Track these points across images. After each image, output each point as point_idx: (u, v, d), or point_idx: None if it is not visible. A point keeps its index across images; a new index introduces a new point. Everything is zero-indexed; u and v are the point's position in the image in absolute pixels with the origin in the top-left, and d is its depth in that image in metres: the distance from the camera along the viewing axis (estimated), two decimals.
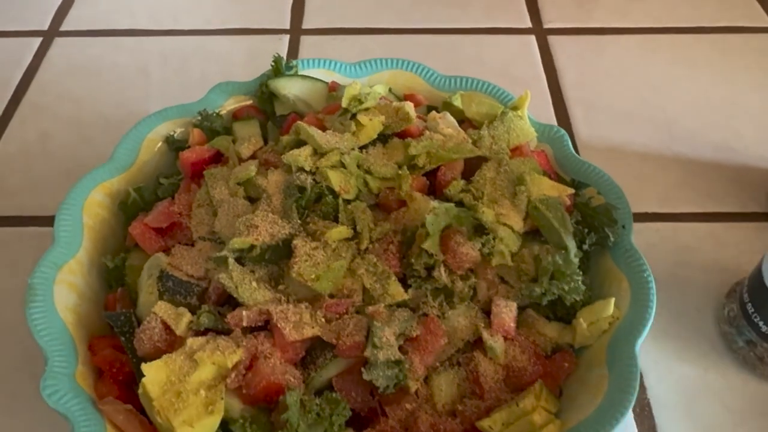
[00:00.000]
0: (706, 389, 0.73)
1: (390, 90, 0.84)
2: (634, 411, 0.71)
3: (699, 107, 1.03)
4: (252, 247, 0.64)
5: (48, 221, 0.84)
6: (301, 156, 0.69)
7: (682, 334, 0.77)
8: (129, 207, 0.74)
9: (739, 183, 0.92)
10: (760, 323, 0.70)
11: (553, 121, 1.00)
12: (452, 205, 0.65)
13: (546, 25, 1.17)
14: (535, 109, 0.82)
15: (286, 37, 1.14)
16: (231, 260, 0.63)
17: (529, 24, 1.17)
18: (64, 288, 0.66)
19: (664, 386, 0.73)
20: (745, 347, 0.73)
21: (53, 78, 1.07)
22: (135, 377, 0.62)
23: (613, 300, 0.65)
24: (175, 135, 0.81)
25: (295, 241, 0.63)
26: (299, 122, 0.73)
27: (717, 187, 0.92)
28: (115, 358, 0.63)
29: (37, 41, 1.13)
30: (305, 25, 1.16)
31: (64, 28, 1.16)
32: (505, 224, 0.66)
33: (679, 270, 0.83)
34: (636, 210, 0.72)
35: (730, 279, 0.80)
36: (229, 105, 0.84)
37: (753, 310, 0.70)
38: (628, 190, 0.73)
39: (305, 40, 1.14)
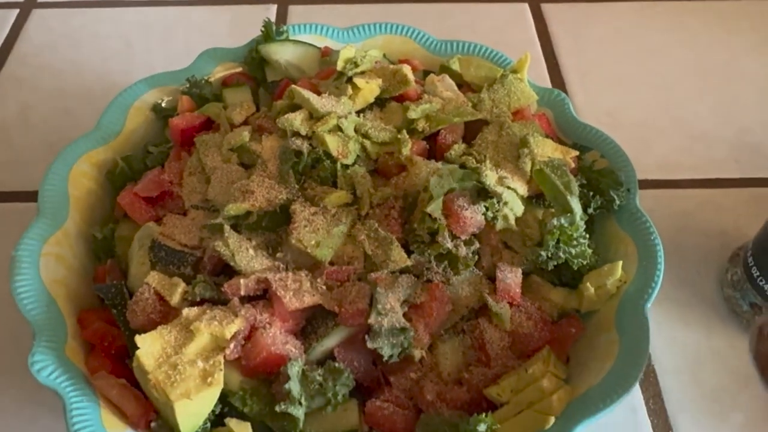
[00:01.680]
0: (710, 353, 0.72)
1: (384, 56, 0.82)
2: None
3: (696, 72, 1.01)
4: (248, 213, 0.61)
5: (31, 196, 0.81)
6: (297, 120, 0.66)
7: (685, 299, 0.76)
8: (117, 177, 0.72)
9: (738, 148, 0.91)
10: (766, 286, 0.69)
11: None
12: (456, 166, 0.63)
13: None
14: (530, 77, 0.80)
15: (274, 7, 1.10)
16: (227, 227, 0.60)
17: None
18: (51, 260, 0.63)
19: (669, 352, 0.72)
20: (749, 311, 0.72)
21: (32, 50, 1.03)
22: (128, 351, 0.60)
23: (620, 263, 0.63)
24: (163, 103, 0.78)
25: (293, 206, 0.60)
26: (294, 86, 0.70)
27: (715, 153, 0.91)
28: (107, 332, 0.61)
29: (14, 13, 1.09)
30: None
31: None
32: (509, 187, 0.64)
33: (679, 236, 0.81)
34: None
35: (731, 243, 0.79)
36: (217, 72, 0.81)
37: (758, 273, 0.69)
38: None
39: (293, 9, 1.10)
